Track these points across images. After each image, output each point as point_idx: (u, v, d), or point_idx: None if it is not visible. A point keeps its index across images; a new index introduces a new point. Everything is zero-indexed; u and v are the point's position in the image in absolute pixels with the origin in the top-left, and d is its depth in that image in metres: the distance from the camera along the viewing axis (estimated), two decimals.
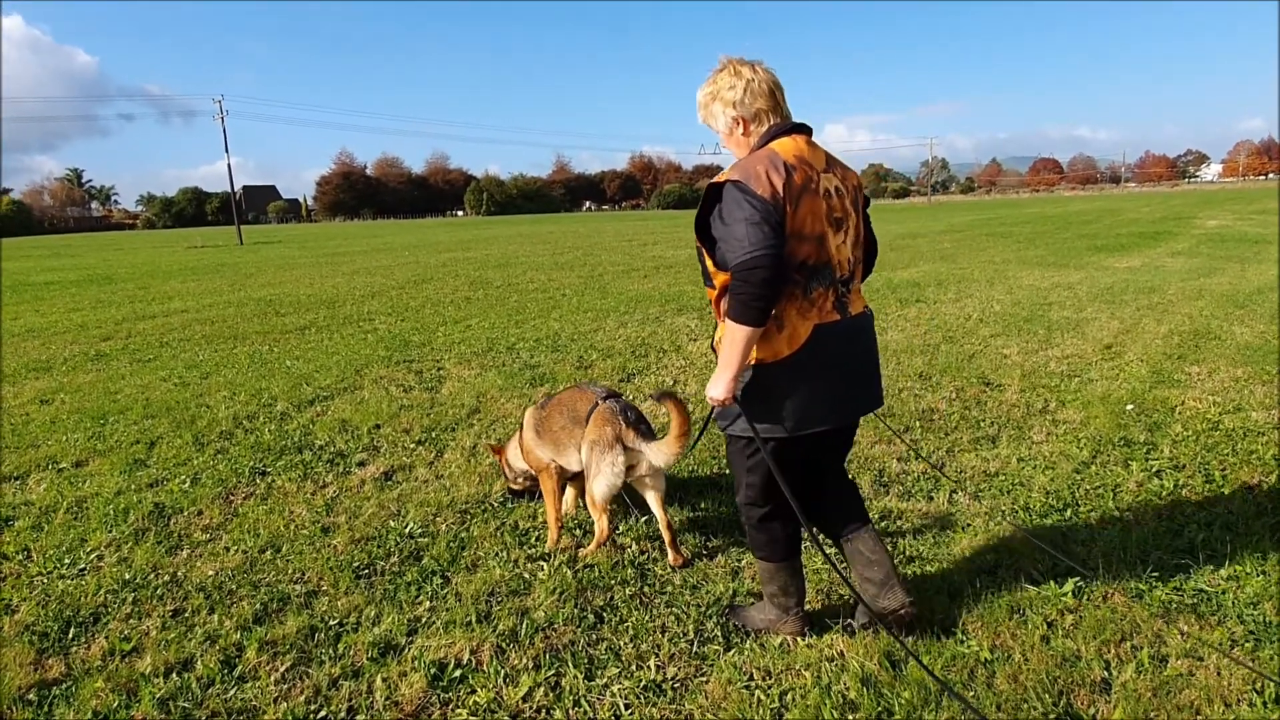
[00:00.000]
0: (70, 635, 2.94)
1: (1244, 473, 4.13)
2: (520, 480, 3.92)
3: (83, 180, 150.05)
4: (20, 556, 3.64)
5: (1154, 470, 4.21)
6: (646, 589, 3.15)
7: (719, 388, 2.40)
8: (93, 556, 3.60)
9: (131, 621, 3.02)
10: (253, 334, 9.75)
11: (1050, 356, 6.85)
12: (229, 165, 50.65)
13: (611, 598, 3.08)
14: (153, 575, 3.39)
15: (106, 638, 2.91)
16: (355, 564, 3.40)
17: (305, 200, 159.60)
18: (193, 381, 7.03)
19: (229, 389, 6.66)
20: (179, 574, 3.39)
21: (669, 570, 3.28)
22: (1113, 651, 2.62)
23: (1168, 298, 10.08)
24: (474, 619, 2.94)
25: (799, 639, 2.75)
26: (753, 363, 2.42)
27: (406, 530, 3.72)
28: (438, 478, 4.42)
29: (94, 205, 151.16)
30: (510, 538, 3.61)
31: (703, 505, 3.89)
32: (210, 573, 3.38)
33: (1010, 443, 4.72)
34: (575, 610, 2.99)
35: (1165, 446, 4.56)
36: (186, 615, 3.05)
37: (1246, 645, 2.64)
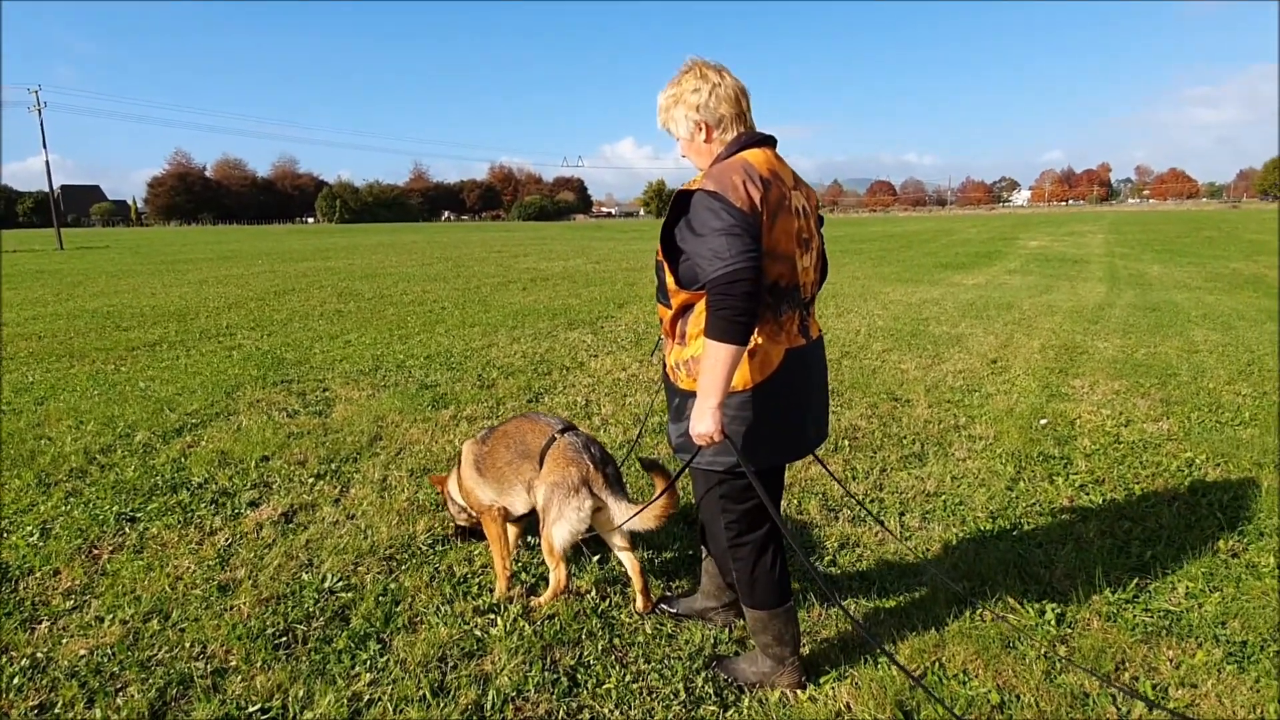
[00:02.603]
0: None
1: (1158, 484, 4.31)
2: (464, 516, 3.48)
3: None
4: None
5: (1078, 485, 4.33)
6: (618, 641, 2.84)
7: (706, 421, 2.16)
8: None
9: None
10: (92, 351, 8.59)
11: (946, 371, 7.07)
12: (47, 163, 45.61)
13: (582, 655, 2.75)
14: (4, 659, 2.73)
15: None
16: (269, 630, 2.88)
17: (135, 202, 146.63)
18: (25, 408, 6.03)
19: (73, 417, 5.74)
20: (41, 655, 2.75)
21: (636, 617, 2.99)
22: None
23: (1026, 314, 10.75)
24: (428, 692, 2.53)
25: (798, 691, 2.54)
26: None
27: (324, 585, 3.22)
28: (349, 518, 3.91)
29: None
30: (450, 588, 3.20)
31: (659, 540, 3.61)
32: (83, 652, 2.76)
33: (937, 460, 4.74)
34: (544, 673, 2.64)
35: (1079, 461, 4.72)
36: (58, 711, 2.46)
37: (1230, 667, 2.66)
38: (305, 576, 3.30)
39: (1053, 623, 2.93)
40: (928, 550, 3.57)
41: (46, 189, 49.80)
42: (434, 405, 6.00)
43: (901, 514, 3.95)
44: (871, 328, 9.53)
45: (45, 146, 45.66)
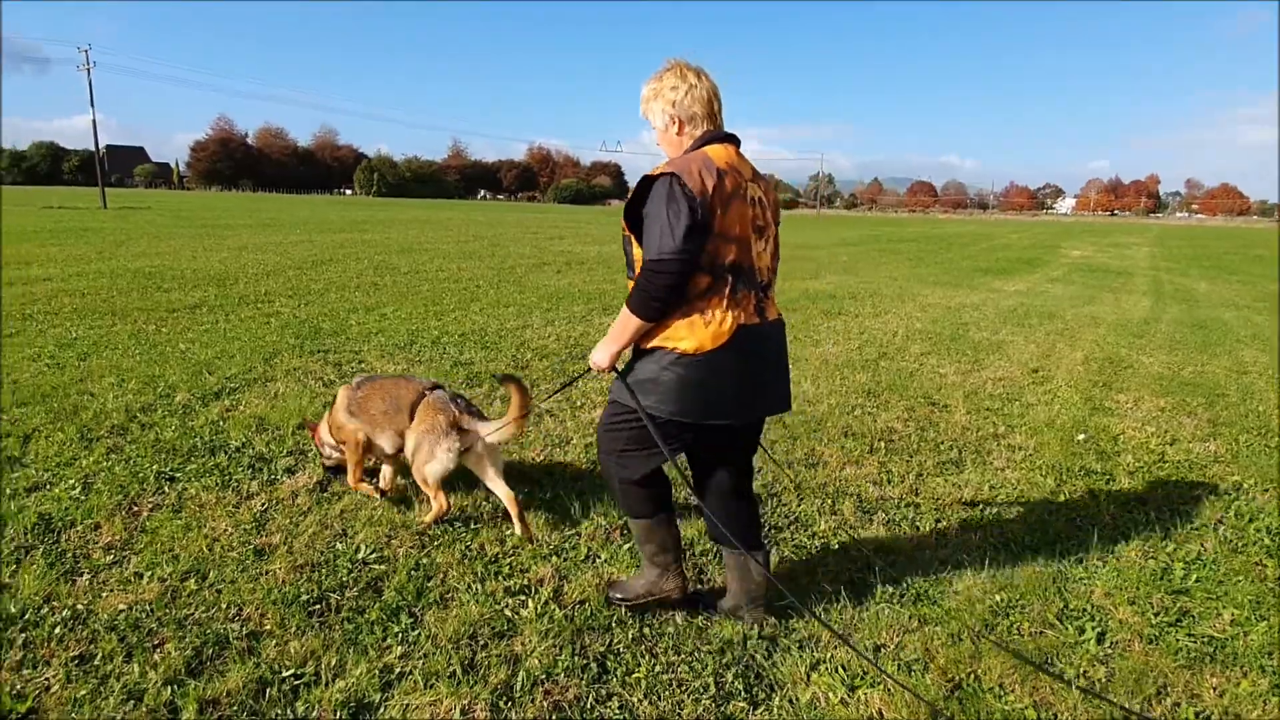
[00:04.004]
0: None
1: (1204, 507, 4.20)
2: (333, 456, 3.89)
3: None
4: None
5: (1121, 503, 4.23)
6: (647, 631, 2.83)
7: (603, 357, 2.58)
8: None
9: (25, 671, 2.44)
10: (133, 310, 8.73)
11: (985, 378, 6.95)
12: (94, 121, 46.46)
13: (612, 642, 2.74)
14: (47, 608, 2.78)
15: None
16: (303, 597, 2.91)
17: (177, 165, 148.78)
18: (69, 363, 6.14)
19: (115, 374, 5.84)
20: (81, 607, 2.80)
21: (668, 609, 2.97)
22: (1157, 710, 2.51)
23: (1068, 324, 10.55)
24: (458, 669, 2.54)
25: (676, 596, 2.87)
26: (678, 351, 2.49)
27: (358, 555, 3.24)
28: (382, 492, 3.93)
29: None
30: (481, 566, 3.20)
31: (690, 533, 3.58)
32: (122, 606, 2.80)
33: (975, 468, 4.66)
34: (574, 658, 2.63)
35: (1122, 478, 4.61)
36: (97, 663, 2.50)
37: (1276, 699, 2.58)
38: (339, 546, 3.32)
39: (1092, 642, 2.87)
40: (964, 559, 3.51)
41: (92, 147, 50.63)
42: (469, 383, 6.02)
43: (938, 521, 3.89)
44: (909, 330, 9.40)
45: (93, 105, 46.46)
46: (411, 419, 3.47)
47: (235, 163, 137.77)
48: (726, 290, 2.46)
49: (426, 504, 3.73)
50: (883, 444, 5.01)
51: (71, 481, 3.86)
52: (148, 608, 2.80)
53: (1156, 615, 3.08)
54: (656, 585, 2.82)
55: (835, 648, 2.77)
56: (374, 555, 3.26)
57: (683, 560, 2.88)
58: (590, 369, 2.68)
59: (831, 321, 9.84)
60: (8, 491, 3.72)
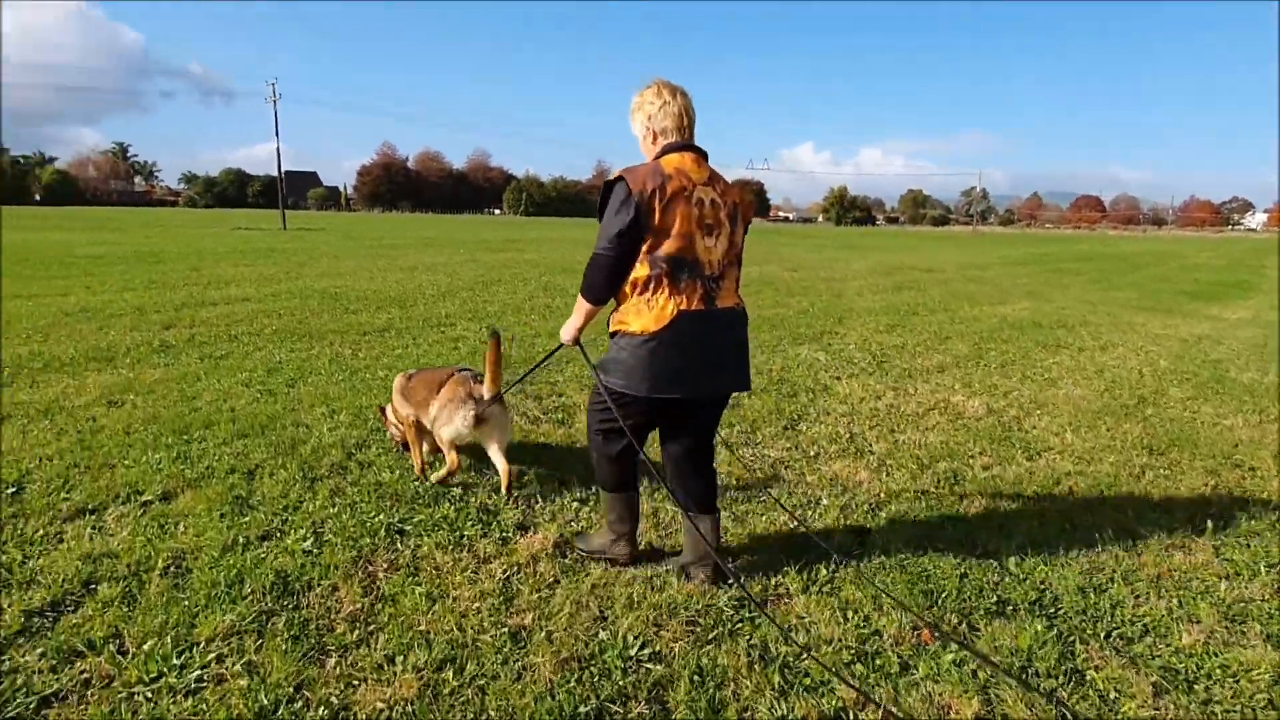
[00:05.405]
0: None
1: None
2: (398, 434, 4.56)
3: (128, 155, 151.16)
4: (111, 647, 2.69)
5: None
6: None
7: (567, 334, 3.09)
8: (209, 657, 2.64)
9: None
10: (328, 333, 8.85)
11: None
12: (278, 149, 50.21)
13: None
14: (300, 701, 2.43)
15: None
16: (581, 709, 2.42)
17: (345, 189, 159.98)
18: (280, 391, 6.11)
19: (325, 404, 5.73)
20: (335, 700, 2.43)
21: None
22: None
23: None
24: None
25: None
26: (630, 333, 2.84)
27: (628, 650, 2.74)
28: (633, 561, 3.44)
29: (137, 180, 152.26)
30: (779, 676, 2.62)
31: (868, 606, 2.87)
32: (380, 704, 2.42)
33: None
34: None
35: None
36: None
37: None
38: (603, 635, 2.83)
39: None
40: None
41: (272, 173, 54.88)
42: None
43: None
44: (1155, 368, 8.17)
45: (278, 134, 50.29)
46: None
47: (396, 185, 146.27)
48: (668, 280, 2.77)
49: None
50: (1209, 523, 4.08)
51: (302, 531, 3.60)
52: (408, 710, 2.40)
53: None
54: (610, 547, 3.30)
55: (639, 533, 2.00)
56: (645, 651, 2.74)
57: (636, 533, 3.34)
58: (562, 344, 3.16)
59: (1056, 356, 8.72)
60: (241, 541, 3.49)
